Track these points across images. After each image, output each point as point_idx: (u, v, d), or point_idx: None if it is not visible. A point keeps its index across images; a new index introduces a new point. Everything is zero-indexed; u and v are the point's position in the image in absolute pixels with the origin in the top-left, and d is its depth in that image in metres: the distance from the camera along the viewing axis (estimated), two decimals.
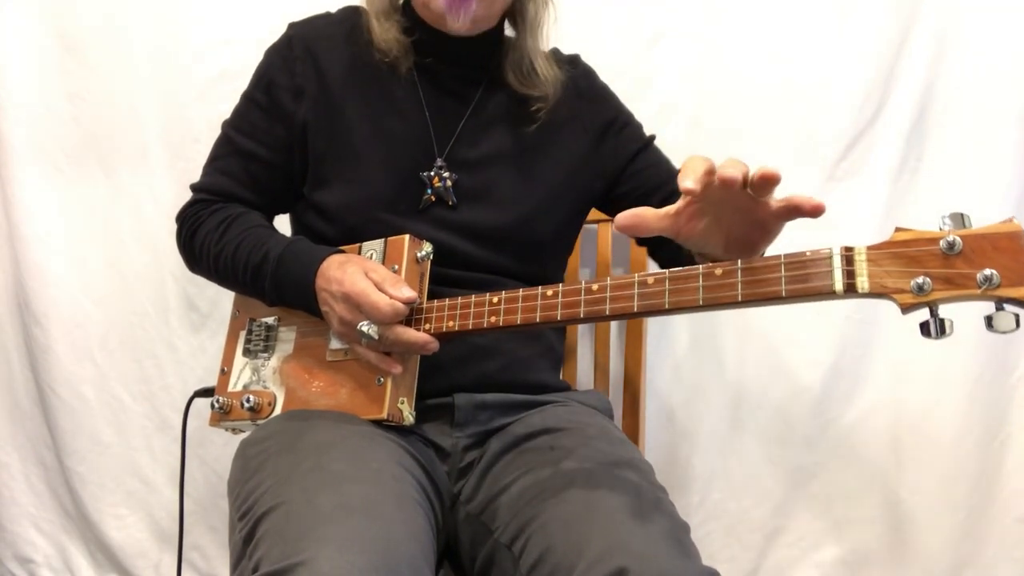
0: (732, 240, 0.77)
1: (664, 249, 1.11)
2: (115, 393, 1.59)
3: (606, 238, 1.37)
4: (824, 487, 1.38)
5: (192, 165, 1.48)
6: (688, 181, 0.69)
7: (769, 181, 0.69)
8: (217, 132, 1.13)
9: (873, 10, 1.33)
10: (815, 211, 0.69)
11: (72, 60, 1.55)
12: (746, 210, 0.73)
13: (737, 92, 1.39)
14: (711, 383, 1.42)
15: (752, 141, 1.38)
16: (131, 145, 1.56)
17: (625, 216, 0.74)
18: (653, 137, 1.18)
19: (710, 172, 0.69)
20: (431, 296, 0.95)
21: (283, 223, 1.16)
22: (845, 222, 1.35)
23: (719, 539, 1.41)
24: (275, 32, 1.11)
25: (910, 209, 1.33)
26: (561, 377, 1.18)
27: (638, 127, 1.18)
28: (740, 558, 1.41)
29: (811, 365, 1.37)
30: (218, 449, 1.56)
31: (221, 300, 1.55)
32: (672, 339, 1.43)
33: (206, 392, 1.14)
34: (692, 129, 1.41)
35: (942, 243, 0.63)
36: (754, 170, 0.69)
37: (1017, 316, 0.63)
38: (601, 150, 1.14)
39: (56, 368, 1.58)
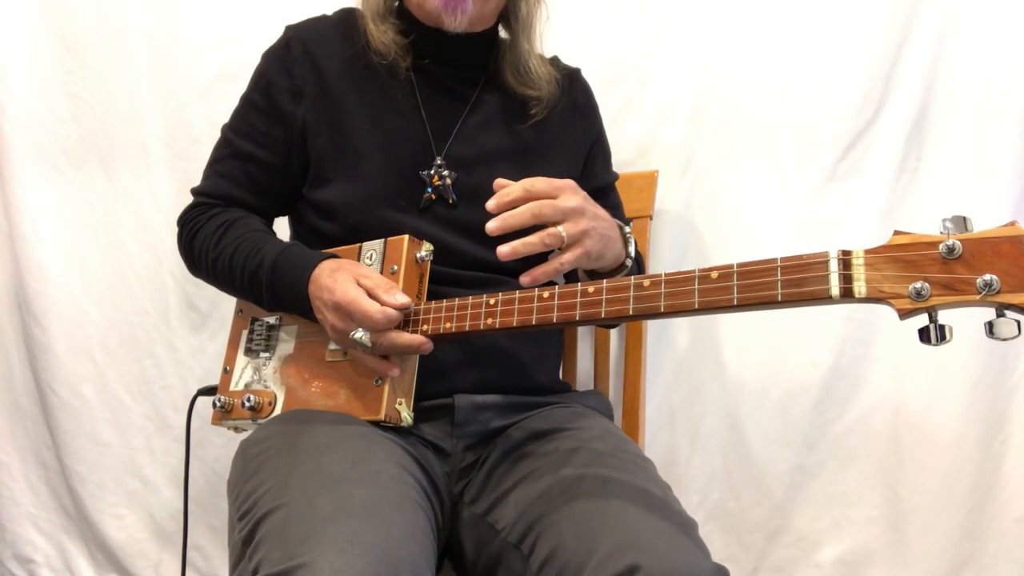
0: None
1: None
2: (115, 393, 1.59)
3: None
4: (824, 487, 1.37)
5: (192, 165, 1.50)
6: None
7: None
8: (217, 133, 1.13)
9: (873, 10, 1.33)
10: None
11: (72, 60, 1.55)
12: None
13: (737, 92, 1.39)
14: (711, 383, 1.42)
15: (751, 141, 1.38)
16: (131, 145, 1.56)
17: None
18: (616, 177, 1.23)
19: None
20: (432, 295, 0.95)
21: (282, 226, 1.16)
22: (845, 222, 1.35)
23: (719, 539, 1.41)
24: (275, 32, 1.11)
25: (910, 209, 1.33)
26: (561, 377, 1.18)
27: (608, 159, 1.23)
28: (740, 558, 1.41)
29: (811, 365, 1.36)
30: (218, 449, 1.56)
31: (221, 300, 1.55)
32: (672, 339, 1.43)
33: (209, 391, 1.15)
34: (692, 129, 1.41)
35: (941, 247, 0.62)
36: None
37: (1018, 323, 0.61)
38: (582, 167, 1.17)
39: (56, 368, 1.58)
